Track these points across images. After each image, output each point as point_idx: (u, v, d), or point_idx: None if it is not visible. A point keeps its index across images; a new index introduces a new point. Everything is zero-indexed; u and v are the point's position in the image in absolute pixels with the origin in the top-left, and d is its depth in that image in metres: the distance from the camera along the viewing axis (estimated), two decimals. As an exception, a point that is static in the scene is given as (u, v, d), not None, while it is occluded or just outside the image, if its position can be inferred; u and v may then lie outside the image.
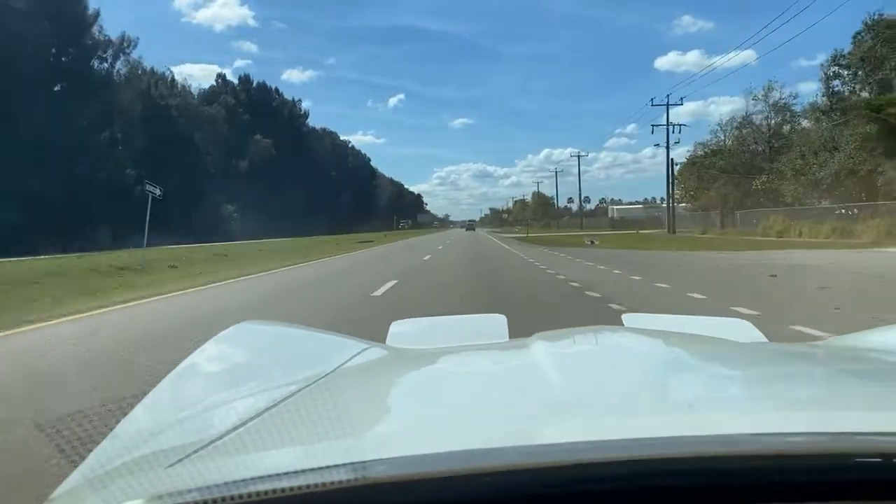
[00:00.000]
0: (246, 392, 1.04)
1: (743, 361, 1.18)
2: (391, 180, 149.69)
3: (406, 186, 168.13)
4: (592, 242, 32.68)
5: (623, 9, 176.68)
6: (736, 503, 0.61)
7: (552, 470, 0.61)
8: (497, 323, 1.89)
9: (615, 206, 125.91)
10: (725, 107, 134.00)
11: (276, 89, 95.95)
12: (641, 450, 0.63)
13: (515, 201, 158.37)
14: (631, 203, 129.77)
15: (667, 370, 1.05)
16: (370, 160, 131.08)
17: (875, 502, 0.60)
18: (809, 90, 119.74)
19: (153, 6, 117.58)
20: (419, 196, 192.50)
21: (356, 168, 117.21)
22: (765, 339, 1.63)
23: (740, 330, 1.72)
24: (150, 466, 0.72)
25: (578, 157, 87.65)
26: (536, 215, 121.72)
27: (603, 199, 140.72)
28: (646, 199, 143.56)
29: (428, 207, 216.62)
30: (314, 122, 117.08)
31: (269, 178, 72.11)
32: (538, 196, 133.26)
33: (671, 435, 0.66)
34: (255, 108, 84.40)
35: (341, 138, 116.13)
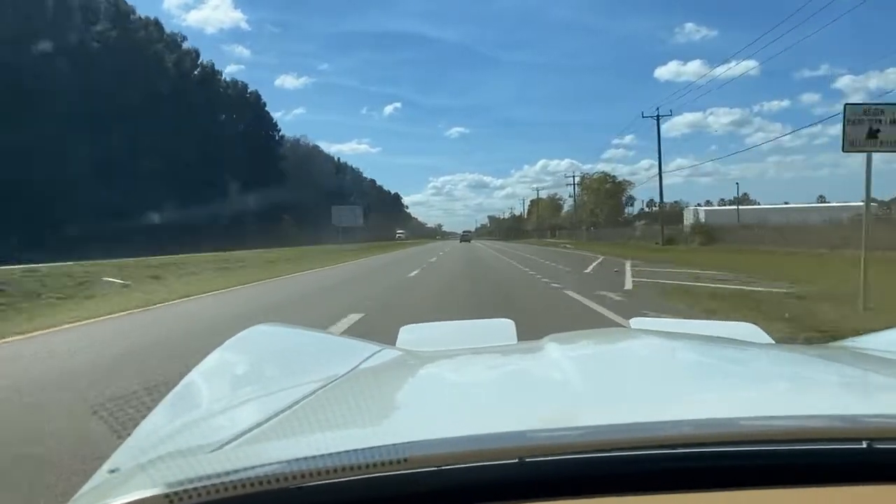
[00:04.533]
0: (268, 390, 1.03)
1: (754, 360, 1.20)
2: (337, 162, 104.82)
3: (364, 174, 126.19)
4: None
5: (623, 17, 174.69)
6: (738, 484, 0.61)
7: (582, 450, 0.61)
8: (505, 327, 1.86)
9: (702, 208, 65.85)
10: (725, 118, 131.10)
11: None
12: (662, 430, 0.64)
13: (533, 200, 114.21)
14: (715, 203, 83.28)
15: (679, 368, 1.06)
16: (267, 107, 78.43)
17: (871, 484, 0.61)
18: (811, 100, 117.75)
19: (141, 6, 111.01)
20: (396, 196, 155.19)
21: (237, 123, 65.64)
22: (773, 342, 1.64)
23: (749, 333, 1.71)
24: (191, 454, 0.70)
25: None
26: (598, 215, 70.98)
27: (668, 201, 77.98)
28: (709, 200, 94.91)
29: (409, 210, 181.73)
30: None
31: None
32: (604, 182, 72.34)
33: (675, 419, 0.68)
34: None
35: (227, 80, 70.16)
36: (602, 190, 72.02)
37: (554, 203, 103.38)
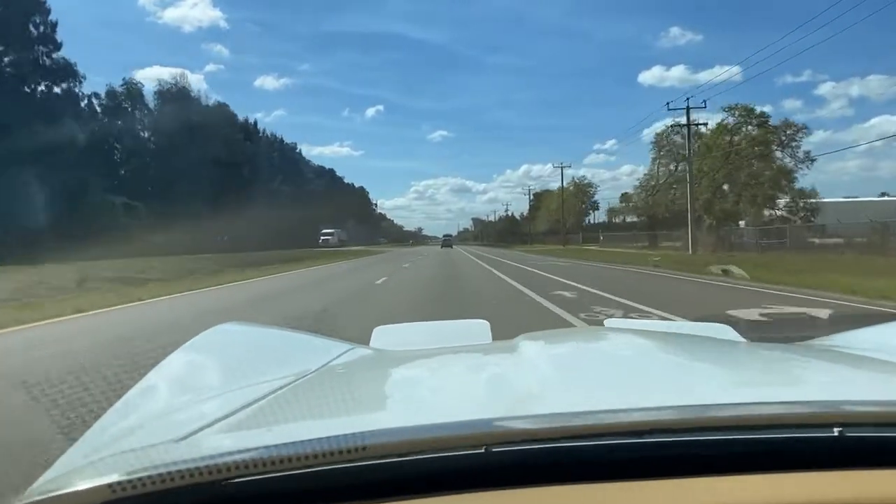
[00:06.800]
0: (229, 389, 1.00)
1: (726, 354, 1.22)
2: (251, 127, 65.92)
3: (309, 158, 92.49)
4: None
5: (607, 21, 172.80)
6: (709, 471, 0.60)
7: (529, 437, 0.61)
8: (480, 327, 1.84)
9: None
10: (707, 122, 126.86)
11: None
12: (617, 417, 0.63)
13: (537, 193, 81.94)
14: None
15: (650, 361, 1.07)
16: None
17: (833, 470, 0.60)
18: (793, 107, 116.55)
19: (115, 4, 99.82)
20: (361, 191, 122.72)
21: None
22: (743, 341, 1.66)
23: (720, 333, 1.74)
24: (141, 448, 0.67)
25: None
26: (728, 195, 33.43)
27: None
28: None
29: (379, 208, 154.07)
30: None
31: None
32: (735, 128, 32.65)
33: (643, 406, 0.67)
34: None
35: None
36: (734, 143, 32.63)
37: (581, 191, 66.90)
